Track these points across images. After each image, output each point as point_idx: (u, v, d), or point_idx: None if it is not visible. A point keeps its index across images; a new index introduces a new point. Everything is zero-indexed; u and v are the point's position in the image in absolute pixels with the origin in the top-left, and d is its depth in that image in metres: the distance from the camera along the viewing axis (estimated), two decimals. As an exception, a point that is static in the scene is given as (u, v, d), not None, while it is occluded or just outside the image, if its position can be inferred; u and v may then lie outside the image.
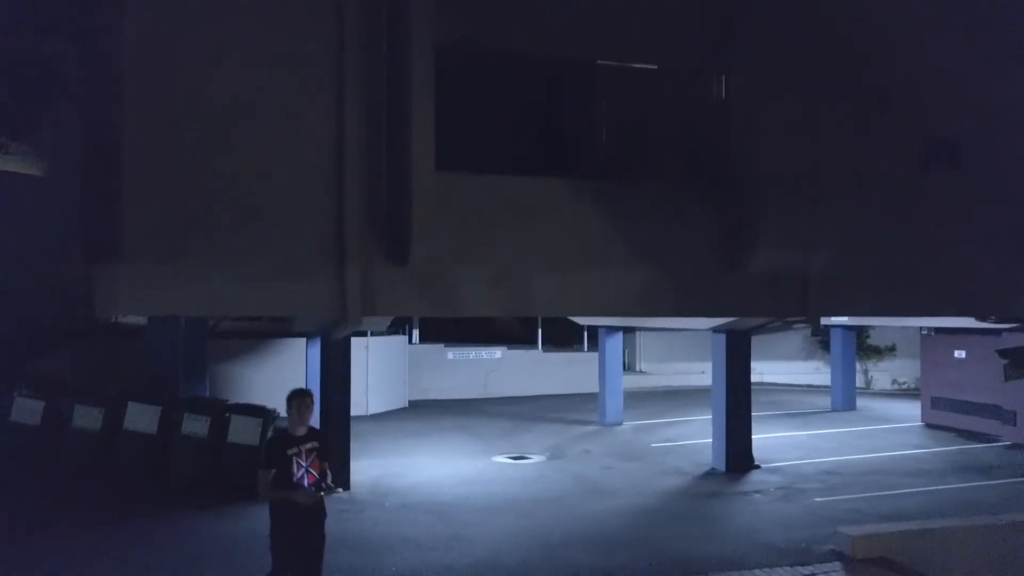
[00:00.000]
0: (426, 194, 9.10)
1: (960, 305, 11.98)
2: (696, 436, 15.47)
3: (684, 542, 8.48)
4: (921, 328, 19.02)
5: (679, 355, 24.26)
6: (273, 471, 5.64)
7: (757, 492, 11.09)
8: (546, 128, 10.30)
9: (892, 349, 25.55)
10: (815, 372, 25.36)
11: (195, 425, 9.37)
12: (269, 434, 10.11)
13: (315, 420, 13.84)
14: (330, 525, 8.84)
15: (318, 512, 5.93)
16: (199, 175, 8.66)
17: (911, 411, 18.35)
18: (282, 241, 9.00)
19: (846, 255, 10.73)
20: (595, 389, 22.50)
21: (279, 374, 17.13)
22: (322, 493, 5.85)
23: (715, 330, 12.85)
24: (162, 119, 8.55)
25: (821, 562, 7.57)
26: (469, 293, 9.69)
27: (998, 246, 11.67)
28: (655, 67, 10.53)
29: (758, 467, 12.63)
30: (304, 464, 5.70)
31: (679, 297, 10.48)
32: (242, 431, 9.53)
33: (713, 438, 12.98)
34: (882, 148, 11.10)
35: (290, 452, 5.67)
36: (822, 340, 25.60)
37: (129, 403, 9.19)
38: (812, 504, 10.36)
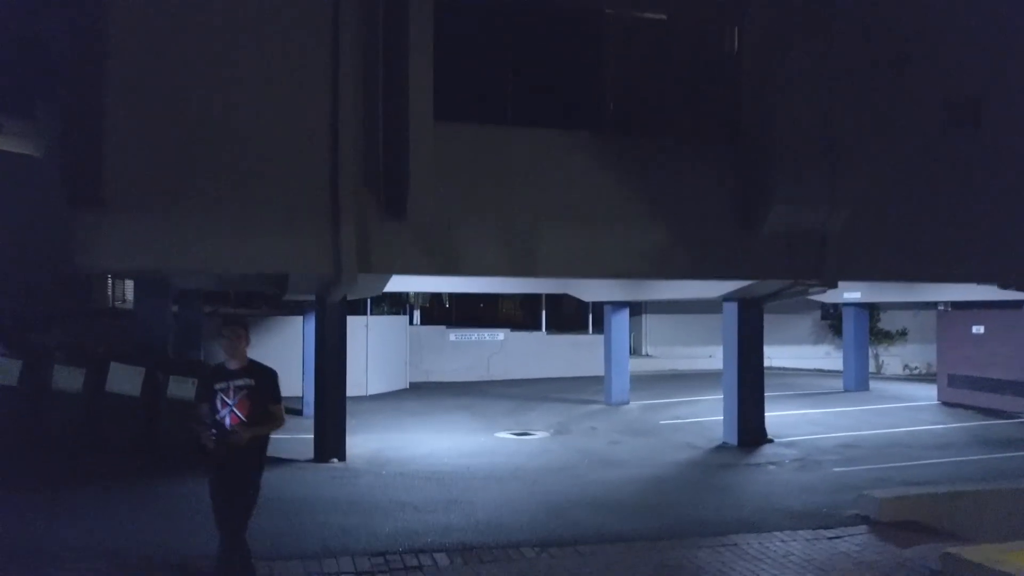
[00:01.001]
0: (424, 145, 8.65)
1: (982, 271, 11.50)
2: (706, 414, 14.99)
3: (698, 508, 8.01)
4: (937, 304, 18.56)
5: (686, 338, 23.79)
6: (205, 406, 4.92)
7: (772, 464, 10.61)
8: (555, 80, 9.84)
9: (904, 334, 25.05)
10: (825, 356, 24.86)
11: (181, 388, 8.91)
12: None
13: (309, 392, 13.46)
14: (320, 490, 8.48)
15: (239, 461, 4.85)
16: (187, 125, 8.22)
17: (926, 392, 17.85)
18: (274, 194, 8.56)
19: (864, 216, 10.28)
20: (601, 372, 22.11)
21: (278, 352, 16.73)
22: (234, 438, 4.75)
23: (726, 298, 12.36)
24: (150, 67, 8.12)
25: (846, 526, 7.08)
26: (471, 251, 9.24)
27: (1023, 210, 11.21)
28: (664, 16, 10.08)
29: (771, 441, 12.15)
30: (230, 402, 4.82)
31: (692, 258, 10.03)
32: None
33: (724, 412, 12.50)
34: (903, 105, 10.63)
35: (217, 387, 4.87)
36: (832, 324, 25.13)
37: (112, 364, 8.75)
38: (830, 473, 9.87)
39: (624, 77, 9.92)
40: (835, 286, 10.62)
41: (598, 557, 6.08)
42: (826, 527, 7.04)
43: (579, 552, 6.19)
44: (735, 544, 6.53)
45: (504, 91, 9.49)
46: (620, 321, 16.73)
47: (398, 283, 17.21)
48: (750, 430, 12.10)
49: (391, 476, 9.27)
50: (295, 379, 15.45)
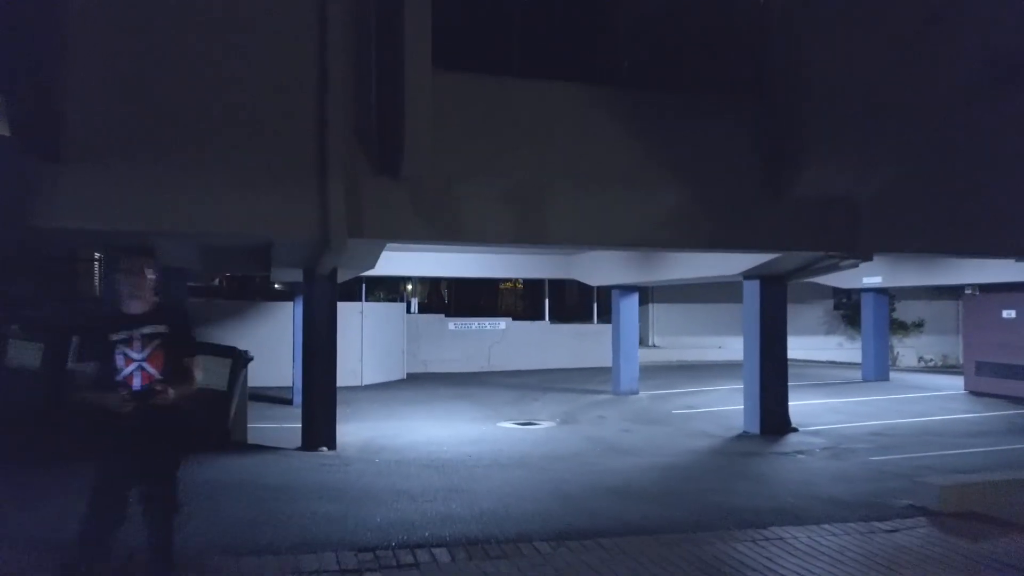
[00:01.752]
0: (422, 94, 7.73)
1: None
2: (720, 404, 14.17)
3: (726, 495, 7.13)
4: (964, 288, 17.69)
5: (694, 328, 22.92)
6: (94, 365, 3.74)
7: (800, 452, 9.73)
8: (566, 28, 8.94)
9: (919, 325, 24.20)
10: (837, 347, 23.99)
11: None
12: (241, 377, 8.78)
13: (299, 379, 12.57)
14: (304, 476, 7.59)
15: (162, 432, 3.73)
16: (156, 70, 7.32)
17: (950, 382, 17.00)
18: (253, 147, 7.65)
19: (902, 181, 9.38)
20: (606, 363, 21.25)
21: (268, 341, 15.91)
22: (160, 397, 3.66)
23: (747, 276, 11.49)
24: (112, 1, 7.23)
25: (902, 517, 6.20)
26: (474, 215, 8.33)
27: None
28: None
29: (796, 430, 11.28)
30: (137, 356, 3.70)
31: (713, 226, 9.14)
32: (207, 374, 8.16)
33: (745, 398, 11.63)
34: (946, 59, 9.71)
35: (115, 338, 3.72)
36: (845, 314, 24.26)
37: (74, 338, 7.85)
38: (868, 462, 9.00)
39: (640, 24, 9.03)
40: (870, 258, 9.74)
41: (624, 551, 5.19)
42: (879, 519, 6.16)
43: (601, 545, 5.31)
44: (779, 537, 5.64)
45: (510, 39, 8.61)
46: (629, 307, 15.86)
47: (390, 266, 16.37)
48: (773, 418, 11.23)
49: (385, 464, 8.38)
50: (286, 368, 14.59)
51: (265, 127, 7.59)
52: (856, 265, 10.10)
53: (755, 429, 11.21)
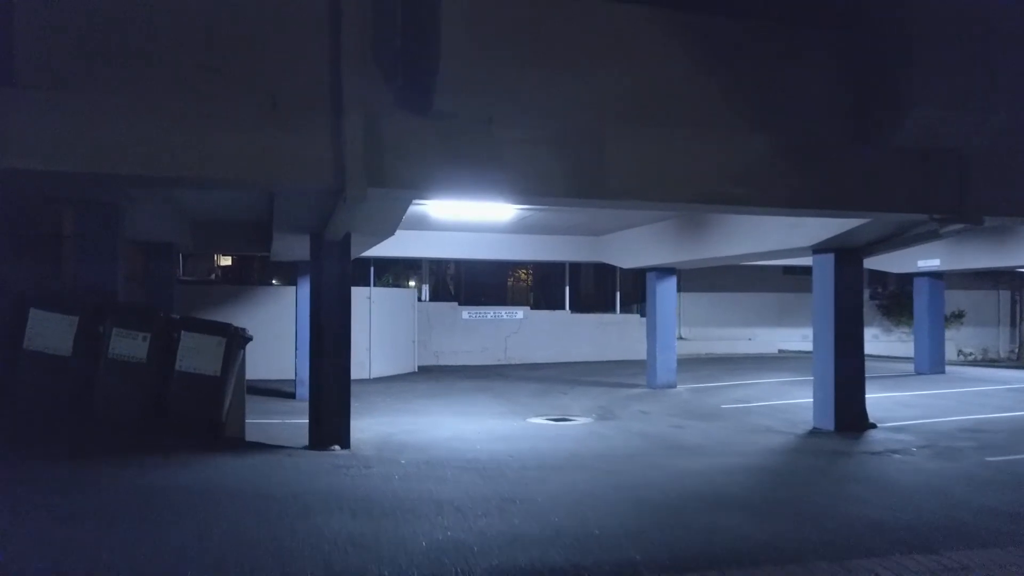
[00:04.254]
0: (458, 15, 6.30)
1: None
2: (773, 398, 12.73)
3: (848, 503, 5.67)
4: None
5: (723, 319, 21.44)
6: None
7: (894, 452, 8.27)
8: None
9: (959, 316, 22.74)
10: (872, 340, 22.46)
11: (128, 345, 6.53)
12: (238, 359, 7.27)
13: (303, 368, 11.09)
14: (317, 481, 6.12)
15: None
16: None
17: (1013, 375, 15.55)
18: (249, 70, 6.16)
19: (1021, 129, 7.93)
20: (631, 356, 19.83)
21: (266, 326, 14.45)
22: None
23: (817, 249, 10.04)
24: None
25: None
26: (519, 163, 6.80)
27: None
28: None
29: (874, 426, 9.82)
30: None
31: (798, 181, 7.59)
32: (196, 355, 6.69)
33: (815, 390, 10.16)
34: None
35: None
36: (880, 304, 22.82)
37: (31, 311, 6.36)
38: (987, 463, 7.53)
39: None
40: (981, 222, 8.23)
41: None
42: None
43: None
44: (964, 567, 4.17)
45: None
46: (667, 291, 14.37)
47: (400, 246, 14.87)
48: (850, 413, 9.77)
49: (413, 465, 6.88)
50: (286, 359, 13.11)
51: (266, 50, 6.09)
52: (960, 230, 8.61)
53: (828, 425, 9.74)
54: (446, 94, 6.26)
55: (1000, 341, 23.60)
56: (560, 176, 6.92)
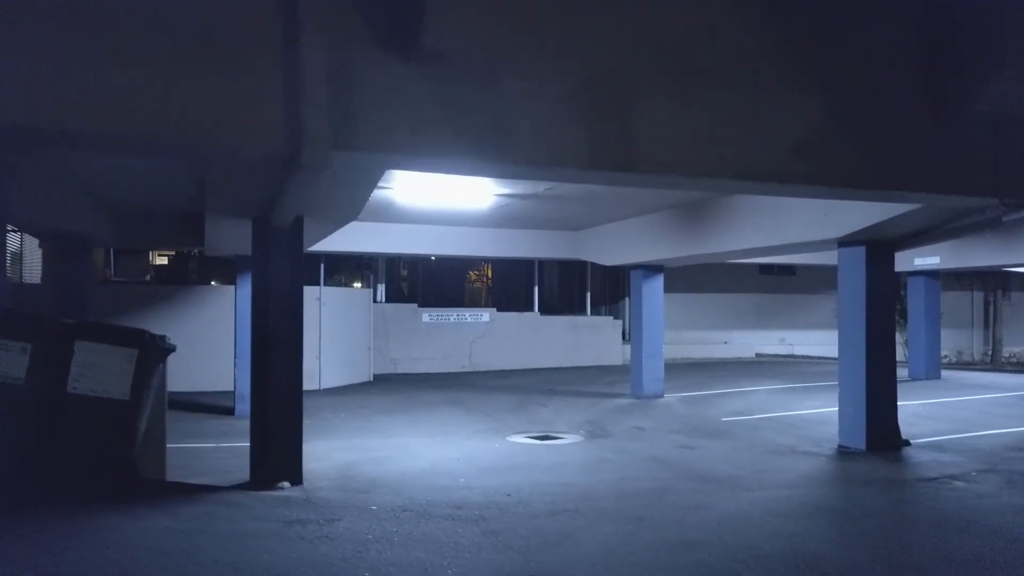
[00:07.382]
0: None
1: None
2: (772, 409, 11.52)
3: (971, 569, 4.32)
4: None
5: (698, 322, 20.26)
6: None
7: (953, 478, 7.01)
8: None
9: (935, 318, 22.02)
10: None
11: (5, 361, 4.78)
12: (156, 376, 5.54)
13: (243, 380, 9.42)
14: (262, 551, 4.47)
15: None
16: None
17: (1013, 381, 14.69)
18: (180, 4, 4.55)
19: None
20: (604, 362, 18.55)
21: (202, 330, 12.67)
22: None
23: (844, 243, 8.79)
24: None
25: None
26: (530, 123, 5.27)
27: None
28: None
29: (908, 443, 8.62)
30: None
31: (859, 156, 6.27)
32: (98, 372, 4.99)
33: (841, 404, 8.91)
34: None
35: None
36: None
37: None
38: (1080, 494, 6.34)
39: None
40: (1053, 209, 7.07)
41: None
42: None
43: None
44: None
45: None
46: (653, 291, 13.05)
47: (354, 240, 13.22)
48: (882, 430, 8.53)
49: (390, 515, 5.27)
50: (226, 367, 11.35)
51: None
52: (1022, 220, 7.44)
53: (858, 443, 8.49)
54: (441, 30, 4.75)
55: (974, 343, 23.06)
56: (582, 143, 5.42)
